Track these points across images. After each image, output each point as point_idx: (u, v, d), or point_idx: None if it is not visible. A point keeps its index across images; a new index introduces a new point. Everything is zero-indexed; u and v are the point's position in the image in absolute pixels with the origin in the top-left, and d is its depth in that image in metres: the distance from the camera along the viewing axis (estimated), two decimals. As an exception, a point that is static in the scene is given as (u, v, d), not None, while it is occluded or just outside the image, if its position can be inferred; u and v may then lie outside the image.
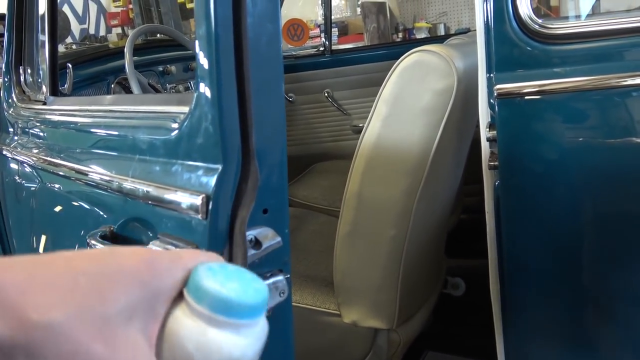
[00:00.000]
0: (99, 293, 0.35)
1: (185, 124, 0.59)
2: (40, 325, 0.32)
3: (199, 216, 0.55)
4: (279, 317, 0.59)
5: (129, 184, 0.68)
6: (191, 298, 0.39)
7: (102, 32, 6.46)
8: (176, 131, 0.61)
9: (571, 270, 1.13)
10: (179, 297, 0.40)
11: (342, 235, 1.34)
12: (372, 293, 1.36)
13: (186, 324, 0.39)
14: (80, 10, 6.46)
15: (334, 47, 2.91)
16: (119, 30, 6.28)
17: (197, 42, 0.54)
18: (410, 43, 3.84)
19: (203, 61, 0.54)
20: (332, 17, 5.45)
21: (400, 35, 5.59)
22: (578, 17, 1.77)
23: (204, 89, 0.55)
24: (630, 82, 0.99)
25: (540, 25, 1.02)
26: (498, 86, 1.04)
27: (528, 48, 1.03)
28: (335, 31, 5.33)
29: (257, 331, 0.42)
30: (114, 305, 0.36)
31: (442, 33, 5.48)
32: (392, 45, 3.62)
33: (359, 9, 5.62)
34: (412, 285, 1.43)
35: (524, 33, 1.03)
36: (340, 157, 2.68)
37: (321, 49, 2.84)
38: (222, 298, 0.39)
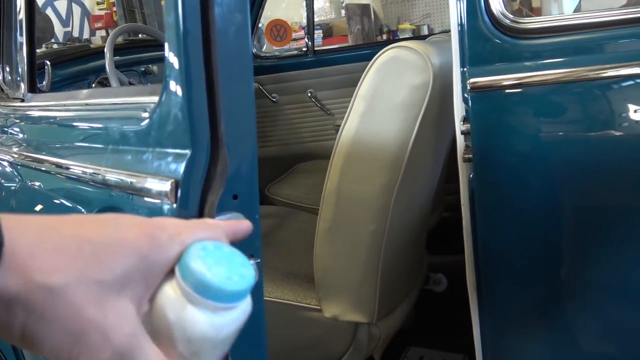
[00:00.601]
0: (99, 262, 0.39)
1: (156, 112, 0.60)
2: (42, 286, 0.36)
3: (169, 201, 0.56)
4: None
5: (102, 174, 0.69)
6: (179, 274, 0.42)
7: (86, 35, 6.43)
8: (147, 120, 0.62)
9: (546, 263, 1.15)
10: (172, 271, 0.43)
11: (321, 231, 1.35)
12: (352, 288, 1.38)
13: (170, 296, 0.42)
14: (63, 13, 6.44)
15: (317, 48, 2.93)
16: (103, 33, 6.26)
17: (165, 31, 0.55)
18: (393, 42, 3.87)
19: (171, 50, 0.55)
20: (317, 19, 5.48)
21: (385, 36, 5.64)
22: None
23: (173, 78, 0.56)
24: (600, 74, 1.02)
25: (511, 20, 1.04)
26: (471, 80, 1.06)
27: (500, 42, 1.06)
28: (319, 33, 5.36)
29: (236, 313, 0.44)
30: (111, 274, 0.39)
31: (426, 34, 5.52)
32: (374, 45, 3.64)
33: (343, 11, 5.65)
34: (392, 280, 1.44)
35: (496, 28, 1.05)
36: (324, 157, 2.70)
37: (304, 49, 2.85)
38: (204, 281, 0.42)
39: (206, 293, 0.42)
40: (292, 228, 1.95)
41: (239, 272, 0.43)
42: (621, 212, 1.08)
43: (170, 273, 0.43)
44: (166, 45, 0.56)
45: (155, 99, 0.62)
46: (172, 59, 0.56)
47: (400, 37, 5.54)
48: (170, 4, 0.54)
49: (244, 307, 0.45)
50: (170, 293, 0.42)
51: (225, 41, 0.55)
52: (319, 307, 1.42)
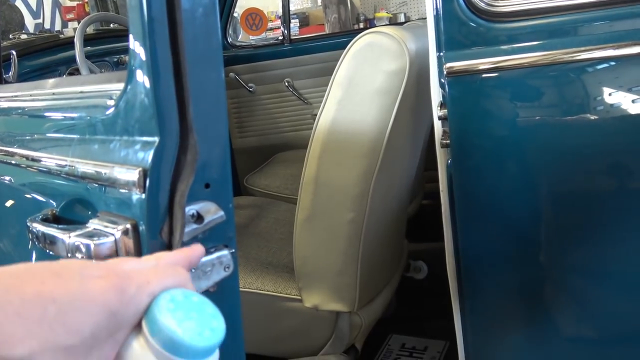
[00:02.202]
0: (65, 325, 0.37)
1: (122, 99, 0.58)
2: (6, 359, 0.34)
3: (137, 191, 0.54)
4: (225, 292, 0.58)
5: (68, 165, 0.67)
6: (147, 329, 0.41)
7: (57, 27, 6.30)
8: (113, 108, 0.60)
9: (525, 248, 1.15)
10: (139, 324, 0.42)
11: (300, 220, 1.34)
12: (332, 277, 1.37)
13: (137, 353, 0.41)
14: (34, 5, 6.30)
15: (293, 37, 2.90)
16: (75, 24, 6.14)
17: (128, 14, 0.52)
18: (370, 32, 3.85)
19: (135, 33, 0.53)
20: (293, 8, 5.43)
21: (362, 25, 5.62)
22: None
23: (138, 63, 0.54)
24: (575, 57, 1.01)
25: (486, 4, 1.03)
26: (447, 65, 1.05)
27: (475, 26, 1.04)
28: (296, 22, 5.32)
29: None
30: (78, 337, 0.37)
31: (403, 22, 5.52)
32: (350, 33, 3.62)
33: (319, 0, 5.62)
34: (372, 268, 1.44)
35: (471, 11, 1.04)
36: (302, 147, 2.66)
37: (280, 38, 2.82)
38: (175, 339, 0.40)
39: (176, 351, 0.40)
40: (271, 218, 1.93)
41: (210, 325, 0.42)
42: (598, 195, 1.08)
43: (138, 326, 0.41)
44: (130, 28, 0.53)
45: (121, 85, 0.60)
46: (136, 42, 0.54)
47: (377, 25, 5.53)
48: (132, -16, 0.52)
49: (214, 358, 0.43)
50: (137, 350, 0.41)
51: (192, 22, 0.53)
52: (299, 297, 1.41)
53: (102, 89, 0.66)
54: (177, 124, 0.53)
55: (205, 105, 0.54)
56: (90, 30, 1.99)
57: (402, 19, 5.61)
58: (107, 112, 0.61)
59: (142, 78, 0.53)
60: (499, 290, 1.20)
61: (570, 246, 1.13)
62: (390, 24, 5.40)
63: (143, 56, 0.52)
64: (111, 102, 0.60)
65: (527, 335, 1.23)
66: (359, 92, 1.21)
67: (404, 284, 1.88)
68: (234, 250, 0.59)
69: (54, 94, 0.85)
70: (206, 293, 0.57)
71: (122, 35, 2.26)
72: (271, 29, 5.47)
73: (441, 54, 1.07)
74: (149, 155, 0.53)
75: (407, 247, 1.95)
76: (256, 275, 1.49)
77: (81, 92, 0.74)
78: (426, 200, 2.33)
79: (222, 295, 0.59)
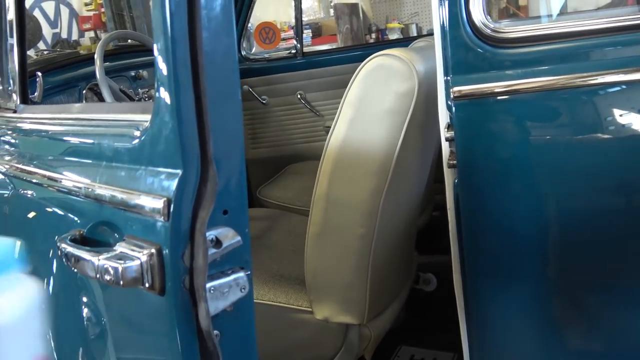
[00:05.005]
0: None
1: (148, 132, 0.63)
2: None
3: (162, 218, 0.58)
4: (241, 311, 0.63)
5: (96, 190, 0.72)
6: None
7: (74, 37, 6.40)
8: (139, 139, 0.65)
9: (528, 264, 1.18)
10: None
11: (311, 235, 1.38)
12: (343, 290, 1.40)
13: None
14: (52, 15, 6.41)
15: (306, 49, 2.95)
16: (91, 34, 6.24)
17: (155, 57, 0.57)
18: (381, 45, 3.89)
19: (162, 73, 0.58)
20: (306, 18, 5.49)
21: (374, 35, 5.65)
22: (549, 16, 1.84)
23: (164, 99, 0.58)
24: (579, 83, 1.05)
25: (492, 30, 1.07)
26: (454, 89, 1.09)
27: (481, 52, 1.09)
28: (308, 33, 5.38)
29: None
30: None
31: (415, 33, 5.56)
32: (362, 47, 3.67)
33: (332, 10, 5.67)
34: (382, 281, 1.47)
35: (477, 37, 1.08)
36: (314, 158, 2.72)
37: (293, 51, 2.88)
38: None
39: None
40: (283, 230, 1.97)
41: None
42: (596, 213, 1.11)
43: None
44: (157, 69, 0.58)
45: (147, 117, 0.64)
46: (162, 81, 0.58)
47: (389, 36, 5.57)
48: (159, 30, 0.56)
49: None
50: None
51: (212, 63, 0.58)
52: (310, 309, 1.44)
53: (128, 119, 0.71)
54: (198, 158, 0.57)
55: (224, 140, 0.59)
56: (108, 45, 2.05)
57: (413, 29, 5.65)
58: (134, 142, 0.66)
59: (167, 116, 0.57)
60: (504, 304, 1.24)
61: (571, 262, 1.16)
62: (402, 36, 5.45)
63: (168, 99, 0.57)
64: (137, 133, 0.65)
65: (532, 349, 1.25)
66: (369, 112, 1.25)
67: (413, 296, 1.91)
68: (249, 272, 0.63)
69: (79, 119, 0.90)
70: (223, 312, 0.62)
71: (139, 51, 2.33)
72: (284, 39, 5.53)
73: (448, 78, 1.11)
74: (173, 185, 0.58)
75: (417, 260, 1.98)
76: (269, 287, 1.53)
77: (106, 119, 0.79)
78: (437, 211, 2.35)
79: (238, 314, 0.63)
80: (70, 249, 0.70)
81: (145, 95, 2.13)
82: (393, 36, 5.53)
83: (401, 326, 2.01)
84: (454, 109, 1.10)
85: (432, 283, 2.09)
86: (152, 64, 1.87)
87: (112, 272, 0.60)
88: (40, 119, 1.10)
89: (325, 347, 1.49)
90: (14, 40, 1.31)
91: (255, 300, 1.46)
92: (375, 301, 1.45)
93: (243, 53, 2.88)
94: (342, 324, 1.44)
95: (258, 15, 4.28)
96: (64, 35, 6.40)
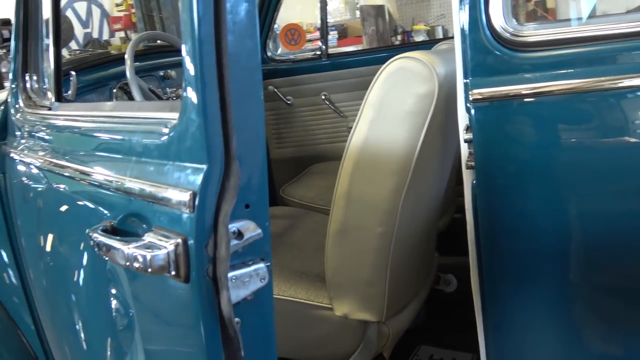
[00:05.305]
0: None
1: (175, 129, 0.67)
2: None
3: (187, 210, 0.62)
4: (261, 300, 0.66)
5: (127, 183, 0.76)
6: None
7: (105, 36, 6.54)
8: (167, 136, 0.69)
9: (545, 267, 1.19)
10: None
11: (332, 233, 1.41)
12: (362, 287, 1.43)
13: None
14: (83, 15, 6.56)
15: (331, 51, 2.98)
16: (122, 34, 6.37)
17: (183, 58, 0.61)
18: (405, 47, 3.90)
19: (189, 73, 0.61)
20: (332, 20, 5.53)
21: (399, 37, 5.66)
22: (579, 19, 1.84)
23: (191, 99, 0.62)
24: (598, 86, 1.06)
25: (511, 34, 1.09)
26: (473, 91, 1.11)
27: (501, 55, 1.10)
28: (334, 34, 5.41)
29: None
30: None
31: (441, 35, 5.55)
32: (387, 49, 3.69)
33: (358, 12, 5.69)
34: (401, 280, 1.50)
35: (496, 41, 1.10)
36: (337, 158, 2.72)
37: (318, 52, 2.91)
38: None
39: None
40: (305, 228, 2.01)
41: None
42: (613, 216, 1.12)
43: None
44: (185, 70, 0.62)
45: (175, 115, 0.68)
46: (190, 81, 0.62)
47: (415, 38, 5.57)
48: (187, 33, 0.60)
49: None
50: None
51: (237, 65, 0.62)
52: (330, 306, 1.47)
53: (157, 117, 0.76)
54: (223, 154, 0.61)
55: (246, 137, 0.63)
56: (138, 46, 2.11)
57: (440, 31, 5.64)
58: (162, 139, 0.70)
59: (193, 115, 0.61)
60: (521, 306, 1.25)
61: (590, 266, 1.17)
62: (428, 38, 5.44)
63: (194, 98, 0.60)
64: (166, 130, 0.69)
65: (549, 353, 1.26)
66: (390, 113, 1.28)
67: (433, 297, 1.92)
68: (269, 264, 0.67)
69: (111, 116, 0.95)
70: (244, 301, 0.65)
71: (168, 52, 2.39)
72: (309, 40, 5.56)
73: (467, 80, 1.13)
74: (198, 180, 0.62)
75: (437, 260, 2.00)
76: (290, 283, 1.56)
77: (136, 117, 0.84)
78: (458, 214, 2.36)
79: (258, 302, 0.67)
80: (102, 238, 0.75)
81: (173, 95, 2.18)
82: (419, 38, 5.52)
83: (421, 326, 2.03)
84: (472, 111, 1.12)
85: (452, 284, 2.10)
86: (180, 65, 1.93)
87: (140, 260, 0.64)
88: (74, 116, 1.15)
89: (344, 344, 1.52)
90: (49, 41, 1.37)
91: (276, 296, 1.50)
92: (394, 299, 1.47)
93: (268, 54, 2.93)
94: (361, 321, 1.46)
95: (284, 17, 4.32)
96: (95, 35, 6.54)
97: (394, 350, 1.63)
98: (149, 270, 0.63)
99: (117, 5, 6.45)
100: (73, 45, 5.83)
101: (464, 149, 1.17)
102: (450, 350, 2.04)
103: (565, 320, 1.23)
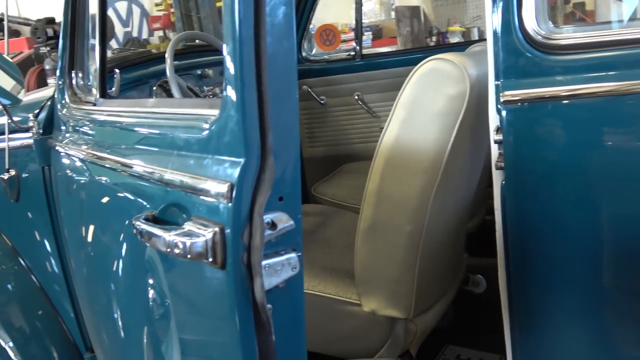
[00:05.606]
0: None
1: (215, 125, 0.71)
2: None
3: (225, 201, 0.66)
4: (292, 288, 0.70)
5: (168, 175, 0.81)
6: None
7: (144, 35, 6.69)
8: (207, 131, 0.73)
9: (573, 269, 1.20)
10: None
11: (362, 230, 1.44)
12: (390, 284, 1.46)
13: None
14: (124, 14, 6.71)
15: (366, 51, 3.00)
16: (160, 33, 6.51)
17: (224, 57, 0.65)
18: (438, 48, 3.89)
19: (229, 72, 0.65)
20: (367, 20, 5.54)
21: (434, 38, 5.63)
22: (620, 21, 1.83)
23: (230, 96, 0.66)
24: (629, 90, 1.07)
25: (543, 37, 1.10)
26: (504, 93, 1.13)
27: (532, 57, 1.12)
28: (369, 35, 5.42)
29: None
30: None
31: (476, 37, 5.50)
32: (420, 50, 3.69)
33: (393, 13, 5.69)
34: (429, 279, 1.51)
35: (528, 43, 1.11)
36: (369, 158, 2.74)
37: (352, 53, 2.94)
38: None
39: None
40: (336, 226, 2.04)
41: None
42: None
43: None
44: (225, 69, 0.66)
45: (214, 112, 0.72)
46: (230, 80, 0.66)
47: (450, 39, 5.54)
48: (228, 35, 0.64)
49: None
50: None
51: (274, 65, 0.65)
52: (358, 302, 1.50)
53: (197, 113, 0.80)
54: (259, 149, 0.65)
55: (282, 134, 0.66)
56: (178, 45, 2.17)
57: (475, 33, 5.58)
58: (203, 134, 0.74)
59: (232, 111, 0.65)
60: (548, 309, 1.25)
61: (619, 268, 1.17)
62: (463, 39, 5.40)
63: (234, 96, 0.64)
64: (206, 126, 0.74)
65: (575, 356, 1.27)
66: (421, 113, 1.30)
67: (462, 297, 1.93)
68: (300, 254, 0.70)
69: (153, 112, 1.00)
70: (276, 288, 0.69)
71: (206, 51, 2.45)
72: (344, 41, 5.59)
73: (499, 82, 1.15)
74: (236, 173, 0.66)
75: (466, 261, 2.01)
76: (319, 279, 1.59)
77: (177, 113, 0.88)
78: (489, 215, 2.36)
79: (289, 290, 0.70)
80: (144, 226, 0.80)
81: (210, 93, 2.24)
82: (454, 39, 5.49)
83: (449, 326, 2.04)
84: (503, 112, 1.13)
85: (481, 285, 2.10)
86: (217, 64, 1.99)
87: (180, 246, 0.69)
88: (117, 111, 1.21)
89: (372, 339, 1.54)
90: (95, 41, 1.43)
91: (306, 291, 1.54)
92: (421, 297, 1.49)
93: (303, 54, 2.97)
94: (389, 317, 1.49)
95: (320, 17, 4.36)
96: (135, 34, 6.69)
97: (421, 349, 1.65)
98: (188, 256, 0.68)
99: (157, 5, 6.58)
100: (113, 43, 5.98)
101: (494, 149, 1.19)
102: (478, 351, 2.04)
103: (593, 324, 1.24)
